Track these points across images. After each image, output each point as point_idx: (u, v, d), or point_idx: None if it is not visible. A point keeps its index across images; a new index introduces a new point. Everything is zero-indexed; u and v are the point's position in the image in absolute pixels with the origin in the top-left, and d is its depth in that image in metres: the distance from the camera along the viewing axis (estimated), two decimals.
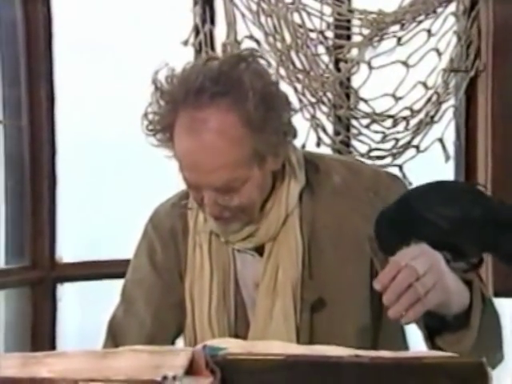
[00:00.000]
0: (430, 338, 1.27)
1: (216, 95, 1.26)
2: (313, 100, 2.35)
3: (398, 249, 1.19)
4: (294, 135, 1.35)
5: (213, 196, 1.31)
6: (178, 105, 1.29)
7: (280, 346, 1.04)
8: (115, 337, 1.43)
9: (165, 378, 0.88)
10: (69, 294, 2.37)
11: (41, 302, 2.32)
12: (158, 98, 1.31)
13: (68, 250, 2.36)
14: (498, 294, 1.31)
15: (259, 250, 1.38)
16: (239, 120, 1.27)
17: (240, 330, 1.37)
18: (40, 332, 2.31)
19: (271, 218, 1.36)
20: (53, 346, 2.29)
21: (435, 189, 1.27)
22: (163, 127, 1.31)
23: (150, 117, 1.32)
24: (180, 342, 1.43)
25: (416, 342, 1.37)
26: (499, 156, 2.34)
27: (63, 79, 2.34)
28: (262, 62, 1.33)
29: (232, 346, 1.02)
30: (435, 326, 1.26)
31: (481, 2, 2.34)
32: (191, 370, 0.97)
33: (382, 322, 1.38)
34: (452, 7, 2.37)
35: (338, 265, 1.36)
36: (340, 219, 1.37)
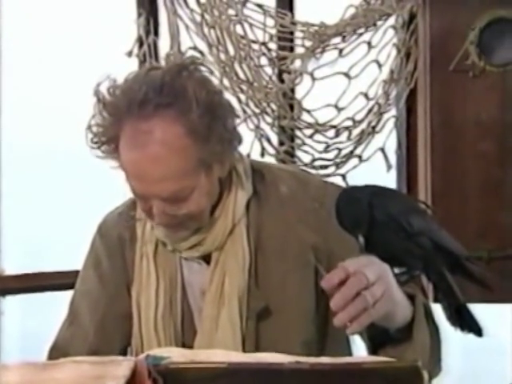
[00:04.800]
0: (374, 352, 1.28)
1: (160, 106, 1.27)
2: (257, 111, 2.37)
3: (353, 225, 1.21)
4: (239, 141, 1.36)
5: (161, 206, 1.31)
6: (122, 116, 1.29)
7: (222, 354, 1.05)
8: (57, 352, 1.40)
9: None
10: (11, 307, 2.34)
11: None
12: (101, 110, 1.30)
13: (10, 262, 2.33)
14: (437, 300, 1.34)
15: (206, 258, 1.39)
16: (184, 130, 1.28)
17: (187, 337, 1.38)
18: None
19: (218, 228, 1.37)
20: None
21: (389, 191, 1.30)
22: (108, 139, 1.31)
23: (94, 129, 1.31)
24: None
25: (361, 351, 1.39)
26: (438, 165, 2.39)
27: (6, 89, 2.31)
28: (204, 69, 1.34)
29: (175, 355, 1.03)
30: (379, 340, 1.28)
31: (419, 16, 2.39)
32: (134, 379, 0.98)
33: (327, 332, 1.40)
34: (391, 20, 2.42)
35: (283, 274, 1.37)
36: (286, 229, 1.38)
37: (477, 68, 2.31)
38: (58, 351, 1.40)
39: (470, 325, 1.27)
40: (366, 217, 1.21)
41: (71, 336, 1.42)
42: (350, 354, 1.45)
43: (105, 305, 1.42)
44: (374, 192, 1.26)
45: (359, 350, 1.41)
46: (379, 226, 1.22)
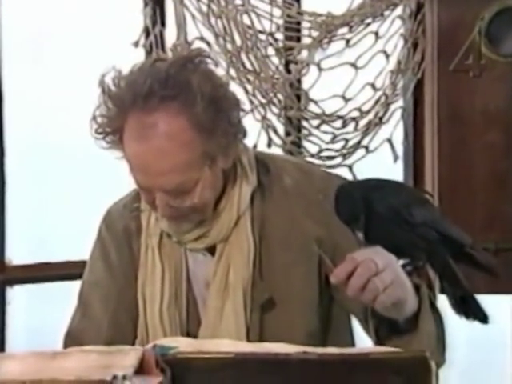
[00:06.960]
0: (379, 342, 1.29)
1: (165, 99, 1.27)
2: (263, 101, 2.36)
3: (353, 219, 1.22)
4: (244, 135, 1.36)
5: (164, 198, 1.31)
6: (127, 108, 1.29)
7: (229, 344, 1.06)
8: (72, 341, 1.41)
9: (114, 377, 0.89)
10: (18, 297, 2.34)
11: None
12: (106, 101, 1.31)
13: (17, 252, 2.34)
14: (443, 291, 1.34)
15: (211, 249, 1.40)
16: (188, 124, 1.28)
17: (192, 328, 1.38)
18: None
19: (223, 220, 1.37)
20: (2, 349, 2.27)
21: (389, 183, 1.30)
22: (113, 130, 1.32)
23: (99, 120, 1.32)
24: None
25: (363, 342, 1.39)
26: (445, 156, 2.38)
27: (11, 81, 2.31)
28: (210, 61, 1.34)
29: (182, 345, 1.03)
30: (384, 330, 1.28)
31: (426, 6, 2.38)
32: (141, 369, 0.98)
33: (330, 323, 1.41)
34: (399, 10, 2.42)
35: (287, 266, 1.37)
36: (290, 220, 1.38)
37: (477, 68, 2.30)
38: (72, 341, 1.41)
39: (475, 313, 1.28)
40: (359, 211, 1.22)
41: (85, 328, 1.43)
42: (353, 344, 1.46)
43: (116, 297, 1.42)
44: (374, 185, 1.26)
45: (362, 340, 1.41)
46: (380, 219, 1.23)
